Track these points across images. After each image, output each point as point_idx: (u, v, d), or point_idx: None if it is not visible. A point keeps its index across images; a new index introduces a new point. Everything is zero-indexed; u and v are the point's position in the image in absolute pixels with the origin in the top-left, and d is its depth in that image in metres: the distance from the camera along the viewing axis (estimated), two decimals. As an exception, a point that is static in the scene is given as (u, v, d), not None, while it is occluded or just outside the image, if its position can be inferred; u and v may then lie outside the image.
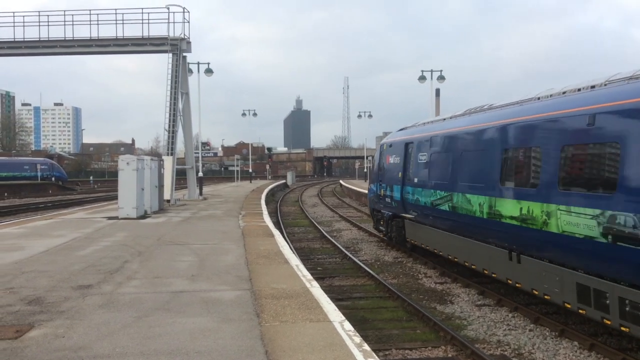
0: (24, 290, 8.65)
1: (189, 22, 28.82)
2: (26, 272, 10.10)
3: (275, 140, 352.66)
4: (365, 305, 11.37)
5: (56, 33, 28.18)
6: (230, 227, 17.56)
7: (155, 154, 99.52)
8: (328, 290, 10.58)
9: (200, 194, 33.39)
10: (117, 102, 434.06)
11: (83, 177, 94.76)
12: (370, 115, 75.83)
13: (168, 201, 26.83)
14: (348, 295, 12.18)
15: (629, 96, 8.01)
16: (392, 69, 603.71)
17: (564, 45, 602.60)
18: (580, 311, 8.77)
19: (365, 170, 70.81)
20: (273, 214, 28.38)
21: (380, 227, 19.92)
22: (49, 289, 8.69)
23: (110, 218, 20.45)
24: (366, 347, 5.98)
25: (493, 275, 11.65)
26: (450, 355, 8.54)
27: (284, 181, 72.85)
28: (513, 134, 10.99)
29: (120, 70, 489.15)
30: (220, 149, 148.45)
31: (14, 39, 28.26)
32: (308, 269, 10.88)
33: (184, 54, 29.25)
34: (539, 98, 10.88)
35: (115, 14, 27.95)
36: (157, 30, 31.41)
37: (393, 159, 18.17)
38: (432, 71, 40.49)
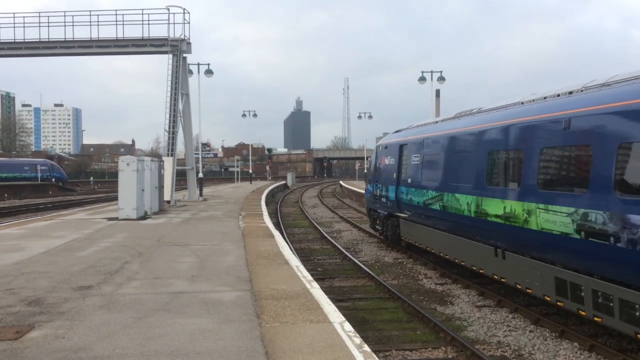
0: (24, 291, 8.65)
1: (189, 23, 28.84)
2: (26, 273, 10.10)
3: (275, 141, 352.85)
4: (365, 306, 11.38)
5: (56, 34, 28.19)
6: (231, 228, 17.57)
7: (155, 154, 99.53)
8: (328, 291, 10.58)
9: (201, 194, 33.42)
10: (118, 103, 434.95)
11: (83, 178, 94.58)
12: (370, 116, 75.76)
13: (168, 202, 26.82)
14: (348, 296, 12.19)
15: (600, 102, 8.47)
16: (393, 69, 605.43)
17: (563, 45, 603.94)
18: (559, 303, 9.27)
19: (365, 171, 70.77)
20: (273, 215, 28.38)
21: (377, 227, 20.45)
22: (49, 290, 8.69)
23: (110, 219, 20.45)
24: (366, 348, 5.99)
25: (481, 271, 12.10)
26: (450, 357, 8.54)
27: (284, 182, 72.87)
28: (497, 137, 11.43)
29: (121, 71, 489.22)
30: (220, 149, 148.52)
31: (14, 39, 28.23)
32: (308, 270, 10.89)
33: (184, 55, 29.25)
34: (522, 103, 11.32)
35: (116, 14, 27.81)
36: (158, 31, 31.54)
37: (388, 160, 18.54)
38: (432, 72, 40.43)
